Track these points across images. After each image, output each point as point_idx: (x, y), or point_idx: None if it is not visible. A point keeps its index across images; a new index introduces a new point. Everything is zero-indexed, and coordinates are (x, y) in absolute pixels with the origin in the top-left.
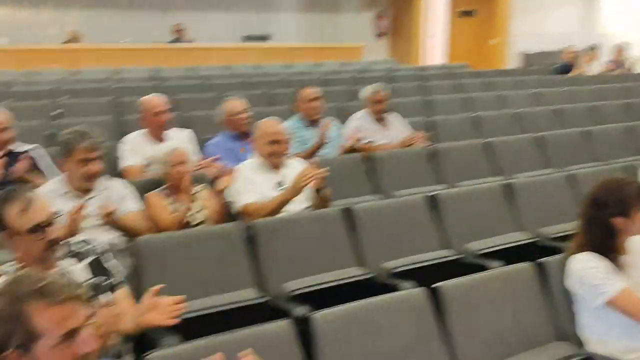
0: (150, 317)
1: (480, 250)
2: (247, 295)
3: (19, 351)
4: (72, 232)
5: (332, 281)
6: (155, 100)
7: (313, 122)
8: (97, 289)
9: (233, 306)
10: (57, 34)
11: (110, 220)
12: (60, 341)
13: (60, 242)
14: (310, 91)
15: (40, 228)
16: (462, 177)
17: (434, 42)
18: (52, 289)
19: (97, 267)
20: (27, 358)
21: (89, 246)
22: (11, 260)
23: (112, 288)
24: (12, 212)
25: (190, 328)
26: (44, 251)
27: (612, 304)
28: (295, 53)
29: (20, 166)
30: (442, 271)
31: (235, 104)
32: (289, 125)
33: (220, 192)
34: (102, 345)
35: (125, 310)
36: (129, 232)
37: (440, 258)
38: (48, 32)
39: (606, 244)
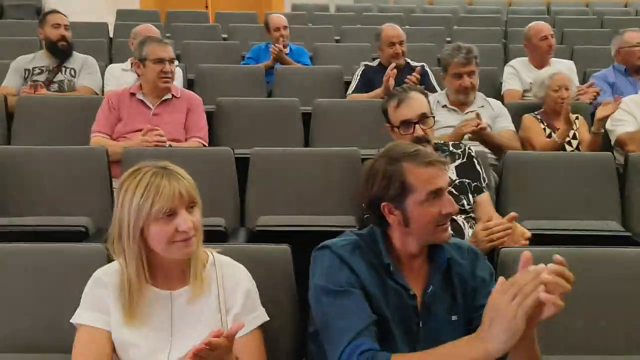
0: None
1: None
2: (607, 226)
3: (393, 204)
4: (457, 138)
5: None
6: (540, 25)
7: None
8: (463, 189)
9: (588, 233)
10: None
11: (481, 135)
12: (427, 198)
13: (428, 141)
14: None
15: (408, 124)
16: None
17: None
18: (421, 153)
19: (466, 170)
20: (398, 210)
21: (461, 149)
22: None
23: (476, 191)
24: (390, 107)
25: (548, 244)
26: None
27: None
28: None
29: (412, 78)
30: None
31: (633, 34)
32: None
33: (599, 121)
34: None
35: (485, 214)
36: (499, 149)
37: None
38: None
39: None
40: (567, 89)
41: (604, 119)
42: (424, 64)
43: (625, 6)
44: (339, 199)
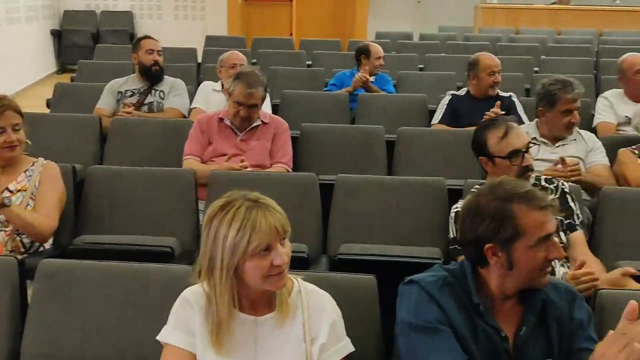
0: None
1: None
2: None
3: (499, 247)
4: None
5: None
6: (635, 58)
7: None
8: (558, 227)
9: None
10: None
11: (570, 173)
12: (536, 243)
13: (531, 172)
14: None
15: (517, 154)
16: None
17: None
18: (534, 195)
19: (560, 205)
20: (503, 253)
21: (554, 185)
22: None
23: (569, 228)
24: (493, 137)
25: None
26: (517, 176)
27: None
28: None
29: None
30: None
31: None
32: None
33: None
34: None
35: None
36: (592, 187)
37: None
38: None
39: None
40: None
41: None
42: (512, 94)
43: None
44: (423, 229)
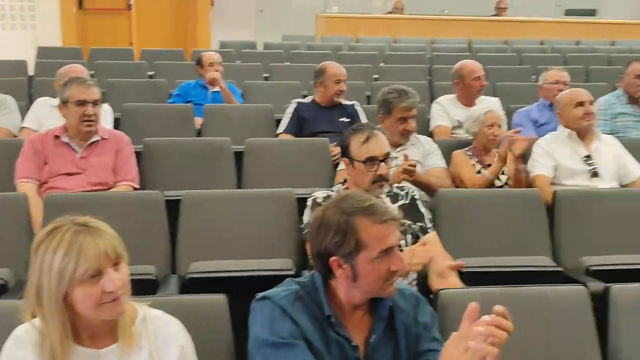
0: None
1: None
2: (539, 261)
3: (343, 259)
4: (397, 180)
5: None
6: (473, 65)
7: (633, 100)
8: (406, 231)
9: (523, 269)
10: (382, 5)
11: (411, 175)
12: (378, 256)
13: (387, 180)
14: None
15: (374, 160)
16: None
17: None
18: (377, 209)
19: (408, 211)
20: (347, 265)
21: (405, 191)
22: (341, 184)
23: (422, 231)
24: (356, 142)
25: (482, 280)
26: (371, 183)
27: None
28: (623, 30)
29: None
30: None
31: (554, 73)
32: (605, 100)
33: (518, 158)
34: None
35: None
36: (429, 188)
37: None
38: (374, 3)
39: None
40: (499, 126)
41: (521, 155)
42: (355, 102)
43: (541, 44)
44: (274, 241)
